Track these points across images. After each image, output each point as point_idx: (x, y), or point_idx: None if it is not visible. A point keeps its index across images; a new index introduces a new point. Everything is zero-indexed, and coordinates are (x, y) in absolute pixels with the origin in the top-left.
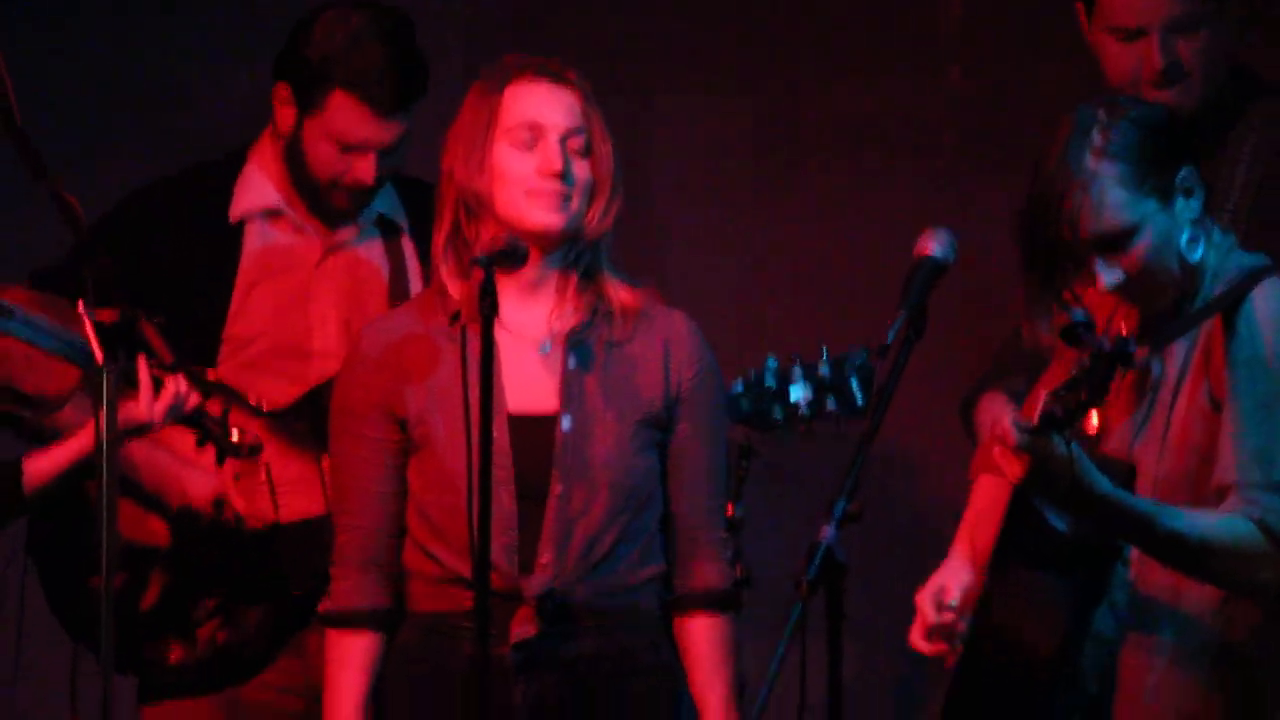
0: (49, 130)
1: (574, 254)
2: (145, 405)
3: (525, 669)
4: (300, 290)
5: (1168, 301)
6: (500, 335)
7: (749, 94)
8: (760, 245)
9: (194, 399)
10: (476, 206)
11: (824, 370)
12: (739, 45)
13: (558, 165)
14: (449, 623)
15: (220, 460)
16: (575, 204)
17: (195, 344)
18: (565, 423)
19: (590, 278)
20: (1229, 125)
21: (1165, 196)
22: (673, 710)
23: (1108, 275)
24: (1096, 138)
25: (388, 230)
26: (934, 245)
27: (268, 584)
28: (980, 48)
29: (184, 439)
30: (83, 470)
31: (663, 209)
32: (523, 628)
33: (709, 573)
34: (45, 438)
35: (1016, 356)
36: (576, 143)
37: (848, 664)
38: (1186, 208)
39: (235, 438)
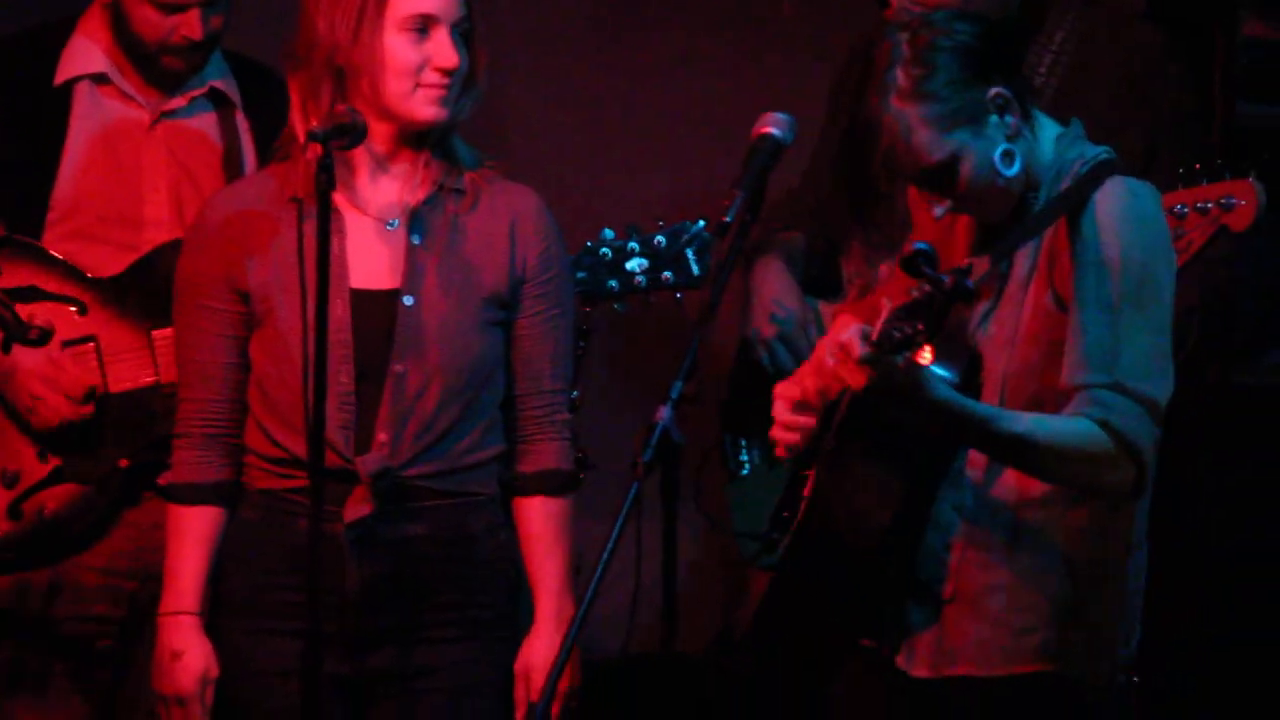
0: None
1: (430, 132)
2: None
3: (359, 547)
4: (130, 158)
5: (1005, 210)
6: (348, 210)
7: None
8: (599, 117)
9: None
10: (352, 84)
11: (660, 241)
12: None
13: (454, 61)
14: (286, 499)
15: (5, 347)
16: (454, 94)
17: (21, 211)
18: (407, 300)
19: (441, 152)
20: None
21: (976, 120)
22: (509, 592)
23: (936, 207)
24: (900, 77)
25: (220, 103)
26: (773, 127)
27: (94, 456)
28: None
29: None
30: None
31: (503, 78)
32: (357, 507)
33: (549, 454)
34: None
35: (795, 213)
36: (460, 34)
37: (682, 544)
38: (1000, 125)
39: (19, 322)
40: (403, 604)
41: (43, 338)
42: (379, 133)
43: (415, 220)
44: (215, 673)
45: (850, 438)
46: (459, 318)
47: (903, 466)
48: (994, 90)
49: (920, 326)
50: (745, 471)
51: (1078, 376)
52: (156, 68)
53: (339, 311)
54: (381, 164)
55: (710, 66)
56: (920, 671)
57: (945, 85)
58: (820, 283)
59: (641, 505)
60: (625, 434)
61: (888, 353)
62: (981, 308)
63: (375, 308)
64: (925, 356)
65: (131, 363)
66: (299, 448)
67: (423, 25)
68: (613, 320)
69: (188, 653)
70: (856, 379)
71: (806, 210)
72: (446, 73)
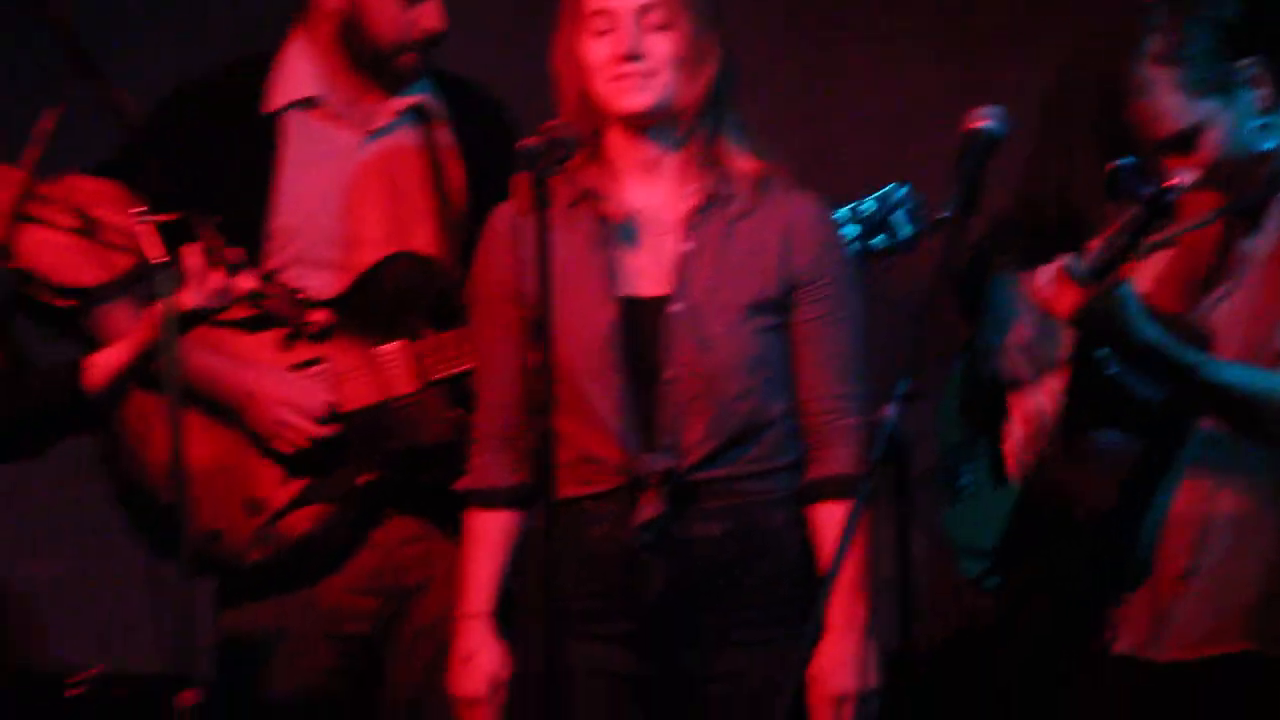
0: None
1: (687, 129)
2: (195, 291)
3: (651, 551)
4: (341, 179)
5: (1257, 191)
6: (621, 216)
7: None
8: (803, 91)
9: (247, 281)
10: (580, 100)
11: (868, 208)
12: None
13: (624, 47)
14: (578, 506)
15: (290, 341)
16: (661, 80)
17: (241, 241)
18: (676, 307)
19: (710, 152)
20: None
21: (1227, 91)
22: (802, 593)
23: (1183, 175)
24: (1155, 43)
25: (424, 119)
26: (985, 120)
27: (335, 476)
28: None
29: (244, 342)
30: (141, 371)
31: None
32: (646, 509)
33: (836, 459)
34: (90, 337)
35: (1004, 233)
36: (654, 18)
37: (916, 541)
38: (1254, 98)
39: (301, 317)
40: (702, 605)
41: (323, 333)
42: (635, 140)
43: (687, 226)
44: (507, 674)
45: (1075, 424)
46: (727, 324)
47: (1132, 444)
48: (1247, 62)
49: (1123, 242)
50: (970, 491)
51: None
52: (390, 72)
53: (610, 317)
54: (649, 167)
55: (909, 58)
56: (1123, 648)
57: (1200, 53)
58: None
59: (874, 502)
60: None
61: (1099, 273)
62: (1222, 288)
63: (646, 314)
64: (1129, 276)
65: (359, 381)
66: (587, 441)
67: (606, 23)
68: None
69: (479, 655)
70: (1064, 306)
71: (1020, 230)
72: (625, 59)
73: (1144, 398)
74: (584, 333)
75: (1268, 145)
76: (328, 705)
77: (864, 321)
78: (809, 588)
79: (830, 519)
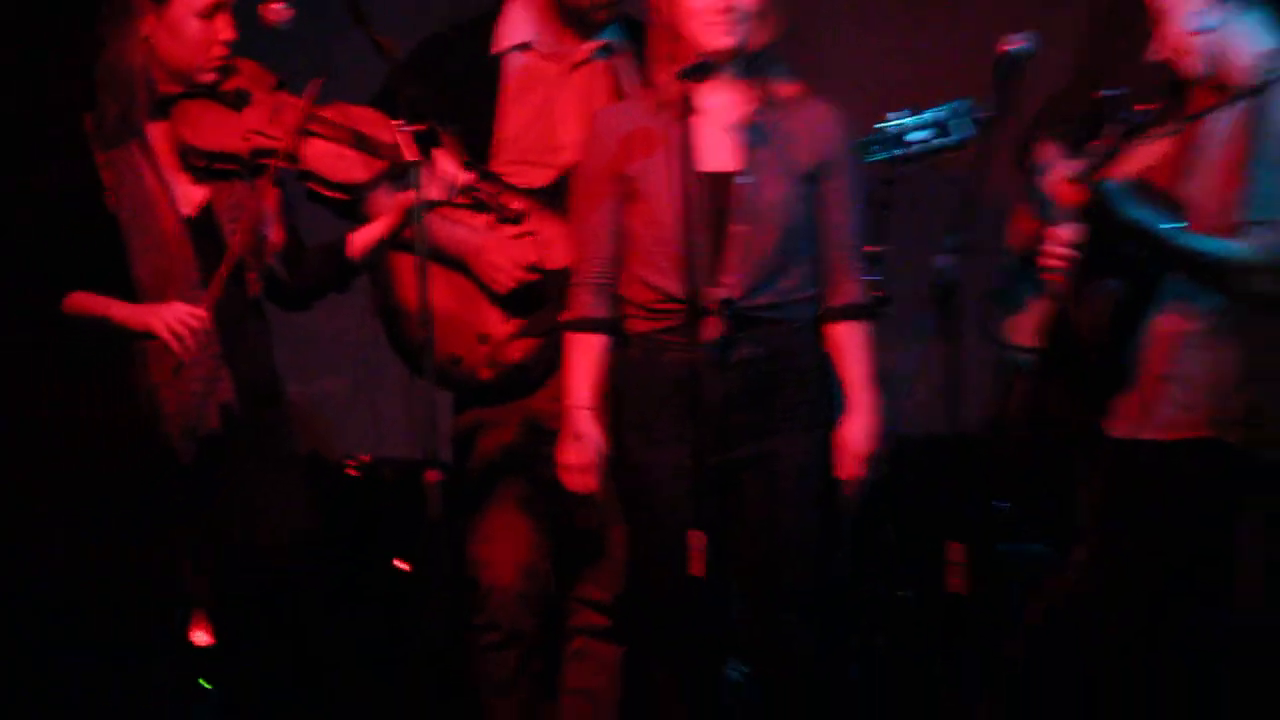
0: None
1: (749, 58)
2: (434, 184)
3: (713, 366)
4: (549, 100)
5: (1193, 69)
6: (699, 116)
7: None
8: (880, 34)
9: (463, 178)
10: (673, 34)
11: (932, 116)
12: None
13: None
14: (657, 339)
15: (493, 226)
16: (745, 26)
17: (475, 147)
18: (744, 179)
19: (763, 75)
20: None
21: None
22: (826, 392)
23: (1153, 51)
24: None
25: (613, 53)
26: (1013, 45)
27: (543, 316)
28: None
29: (476, 218)
30: (392, 243)
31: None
32: (710, 331)
33: (850, 290)
34: (360, 219)
35: (1062, 109)
36: None
37: (963, 354)
38: None
39: (503, 206)
40: (752, 407)
41: (519, 218)
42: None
43: (749, 123)
44: (605, 450)
45: (1085, 274)
46: (781, 191)
47: (1117, 285)
48: None
49: (1104, 152)
50: (1018, 303)
51: (1241, 215)
52: (584, 21)
53: (694, 188)
54: (724, 83)
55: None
56: (1118, 434)
57: None
58: None
59: (929, 327)
60: (918, 276)
61: (1089, 173)
62: (1194, 163)
63: (721, 185)
64: (1110, 176)
65: (560, 246)
66: (666, 283)
67: None
68: (903, 195)
69: (585, 434)
70: (1069, 199)
71: (1069, 117)
72: (725, 10)
73: (1135, 255)
74: (675, 198)
75: (1197, 26)
76: (530, 482)
77: (864, 195)
78: (824, 390)
79: (845, 335)
